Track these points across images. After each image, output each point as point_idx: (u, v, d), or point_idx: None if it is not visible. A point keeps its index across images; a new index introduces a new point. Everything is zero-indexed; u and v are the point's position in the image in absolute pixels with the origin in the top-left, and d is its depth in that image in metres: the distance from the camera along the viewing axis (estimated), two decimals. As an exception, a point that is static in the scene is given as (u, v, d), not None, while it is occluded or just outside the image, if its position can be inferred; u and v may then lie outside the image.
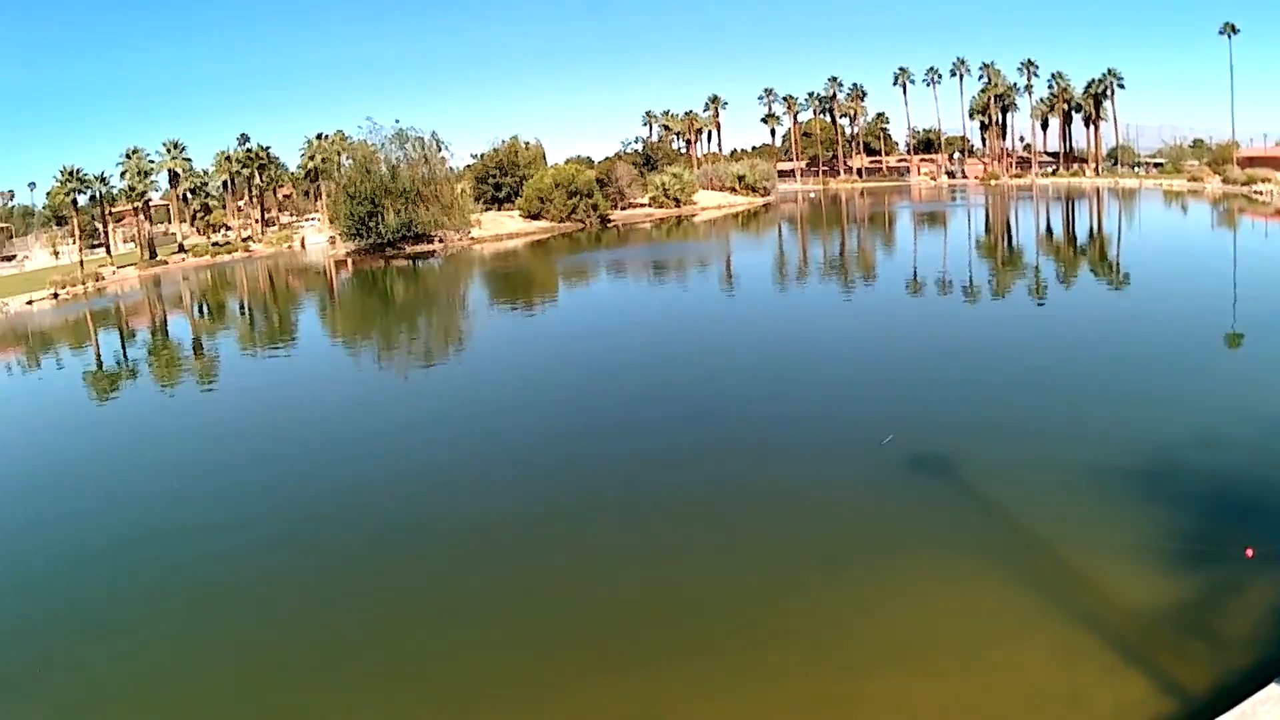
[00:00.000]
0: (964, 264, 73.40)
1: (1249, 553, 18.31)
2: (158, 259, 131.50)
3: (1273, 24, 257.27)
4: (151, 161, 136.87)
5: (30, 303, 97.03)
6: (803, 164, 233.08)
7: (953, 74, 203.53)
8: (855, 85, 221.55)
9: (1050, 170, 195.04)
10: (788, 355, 42.47)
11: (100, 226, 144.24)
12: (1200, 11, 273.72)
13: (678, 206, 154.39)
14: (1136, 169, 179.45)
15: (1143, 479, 23.20)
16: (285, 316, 77.43)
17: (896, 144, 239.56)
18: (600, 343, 49.55)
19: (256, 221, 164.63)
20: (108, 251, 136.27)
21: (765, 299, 63.08)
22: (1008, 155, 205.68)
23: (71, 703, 17.62)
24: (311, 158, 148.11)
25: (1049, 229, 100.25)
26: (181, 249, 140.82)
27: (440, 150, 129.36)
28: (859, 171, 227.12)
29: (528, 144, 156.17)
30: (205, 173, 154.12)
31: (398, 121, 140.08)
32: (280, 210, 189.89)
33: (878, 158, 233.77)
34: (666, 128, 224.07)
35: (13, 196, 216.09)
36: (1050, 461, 25.28)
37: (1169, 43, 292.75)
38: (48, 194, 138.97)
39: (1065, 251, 78.07)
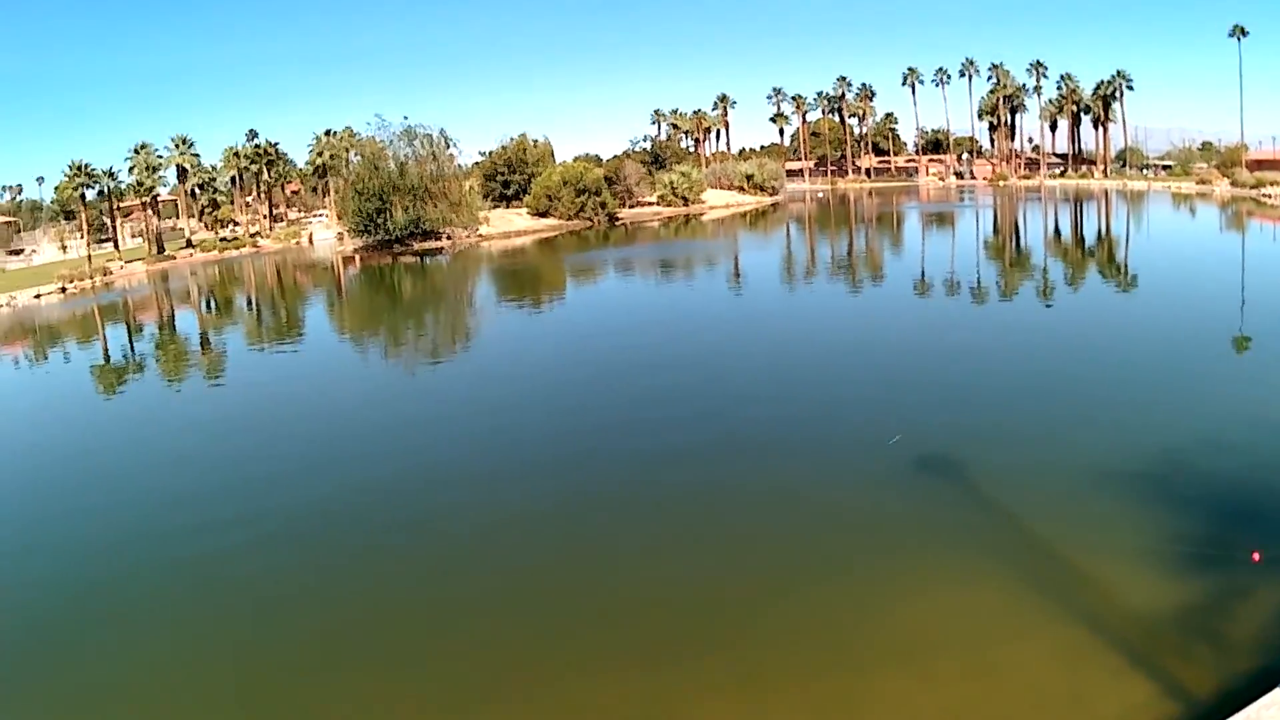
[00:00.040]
0: (972, 265, 73.17)
1: (1256, 557, 18.27)
2: (165, 254, 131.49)
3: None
4: (160, 157, 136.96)
5: (38, 296, 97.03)
6: (811, 163, 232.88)
7: (961, 74, 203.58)
8: (864, 85, 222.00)
9: (1059, 172, 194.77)
10: (795, 355, 42.47)
11: (108, 221, 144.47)
12: (1210, 14, 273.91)
13: (686, 205, 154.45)
14: (1145, 171, 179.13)
15: (1149, 482, 23.12)
16: (293, 312, 77.42)
17: (905, 144, 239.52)
18: (608, 341, 49.60)
19: (264, 217, 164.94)
20: (115, 246, 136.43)
21: (773, 298, 63.02)
22: (1016, 156, 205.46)
23: (73, 695, 17.62)
24: (320, 154, 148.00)
25: (1057, 231, 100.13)
26: (189, 244, 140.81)
27: (448, 147, 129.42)
28: (867, 171, 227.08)
29: (536, 142, 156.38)
30: (213, 168, 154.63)
31: (406, 118, 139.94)
32: (288, 206, 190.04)
33: (886, 158, 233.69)
34: (675, 126, 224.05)
35: (21, 191, 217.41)
36: (1057, 463, 25.21)
37: (1178, 45, 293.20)
38: (56, 189, 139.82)
39: (1073, 253, 77.93)
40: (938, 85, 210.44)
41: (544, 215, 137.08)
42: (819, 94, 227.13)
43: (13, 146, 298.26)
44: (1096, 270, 67.38)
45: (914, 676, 15.99)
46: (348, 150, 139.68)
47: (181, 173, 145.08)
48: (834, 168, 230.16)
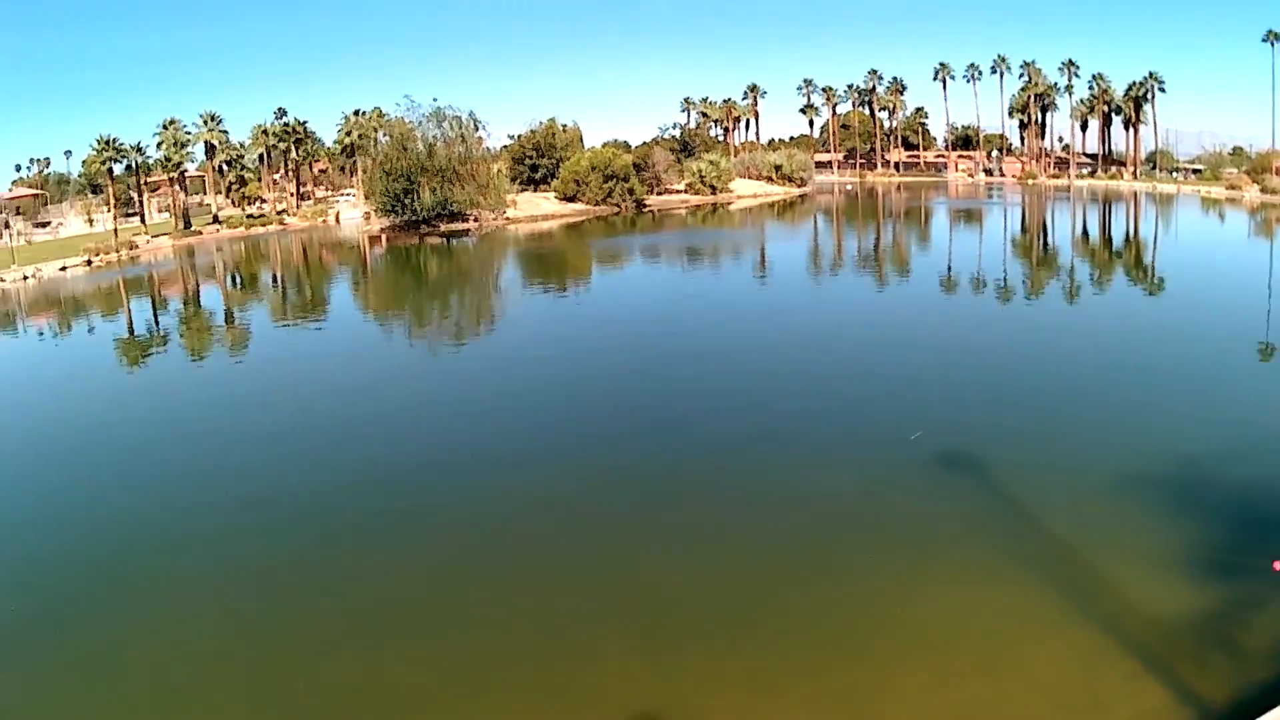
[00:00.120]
0: (999, 263, 72.88)
1: (1276, 566, 18.06)
2: (192, 229, 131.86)
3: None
4: (188, 133, 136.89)
5: (64, 269, 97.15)
6: (840, 156, 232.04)
7: (993, 71, 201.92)
8: (895, 79, 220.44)
9: (1088, 172, 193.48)
10: (819, 348, 42.36)
11: (135, 196, 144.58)
12: (1243, 18, 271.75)
13: (714, 194, 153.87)
14: (1175, 174, 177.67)
15: (1171, 486, 22.97)
16: (318, 290, 77.54)
17: (934, 139, 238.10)
18: (632, 329, 49.49)
19: (292, 195, 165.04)
20: (142, 221, 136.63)
21: (799, 290, 62.88)
22: (1046, 155, 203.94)
23: (87, 665, 17.70)
24: (349, 133, 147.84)
25: (1085, 231, 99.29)
26: (216, 220, 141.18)
27: (477, 130, 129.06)
28: (896, 166, 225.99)
29: (565, 126, 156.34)
30: (242, 145, 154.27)
31: (436, 100, 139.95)
32: (316, 185, 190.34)
33: (915, 152, 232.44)
34: (705, 115, 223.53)
35: (49, 164, 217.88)
36: (1078, 465, 25.12)
37: (1211, 48, 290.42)
38: (84, 162, 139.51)
39: (1101, 255, 77.27)
40: (969, 81, 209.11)
41: (571, 200, 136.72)
42: (850, 86, 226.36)
43: (41, 120, 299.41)
44: (1124, 272, 66.87)
45: (930, 673, 15.94)
46: (376, 130, 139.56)
47: (210, 149, 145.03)
48: (863, 161, 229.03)
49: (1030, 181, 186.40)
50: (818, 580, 19.73)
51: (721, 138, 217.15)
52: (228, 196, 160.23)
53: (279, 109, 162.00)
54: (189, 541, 23.22)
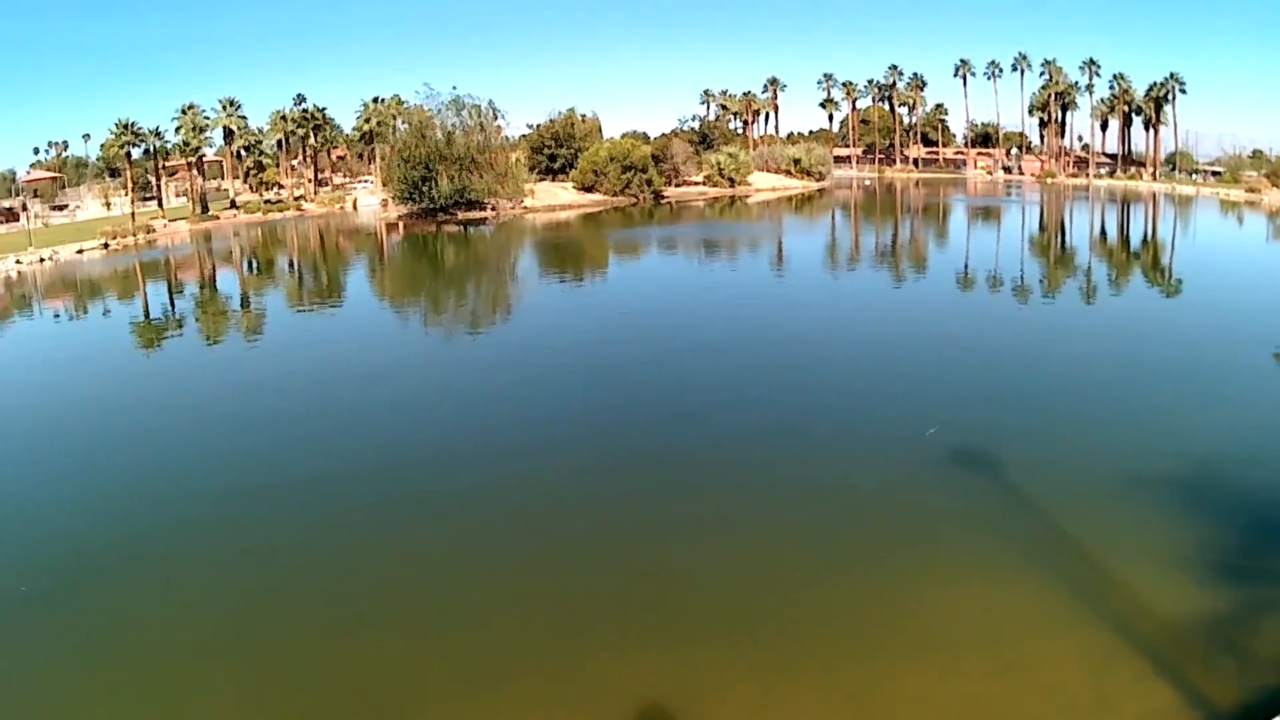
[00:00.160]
0: (1016, 262, 72.42)
1: None
2: (209, 214, 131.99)
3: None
4: (207, 118, 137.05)
5: (80, 252, 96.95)
6: (859, 151, 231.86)
7: (1014, 68, 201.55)
8: (915, 74, 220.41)
9: (1107, 172, 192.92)
10: (835, 342, 42.12)
11: (153, 180, 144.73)
12: (1266, 20, 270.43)
13: (732, 186, 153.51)
14: (1194, 176, 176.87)
15: (1183, 489, 22.80)
16: (334, 276, 77.38)
17: (954, 136, 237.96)
18: (648, 320, 49.10)
19: (309, 181, 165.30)
20: (159, 205, 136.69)
21: (816, 285, 62.48)
22: (1065, 154, 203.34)
23: (90, 649, 17.50)
24: (367, 120, 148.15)
25: (1103, 232, 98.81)
26: (233, 205, 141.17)
27: (496, 119, 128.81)
28: (915, 161, 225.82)
29: (584, 116, 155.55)
30: (260, 131, 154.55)
31: (455, 88, 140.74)
32: (334, 171, 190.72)
33: (934, 149, 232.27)
34: (724, 107, 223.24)
35: (66, 147, 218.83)
36: (1092, 464, 25.00)
37: (1233, 50, 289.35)
38: (102, 146, 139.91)
39: (1119, 255, 76.77)
40: (989, 78, 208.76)
41: (589, 190, 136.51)
42: (870, 81, 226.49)
43: (60, 104, 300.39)
44: (1141, 273, 66.30)
45: (937, 670, 16.01)
46: (395, 118, 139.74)
47: (228, 134, 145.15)
48: (882, 156, 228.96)
49: (1049, 180, 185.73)
50: (828, 574, 19.65)
51: (740, 130, 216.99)
52: (245, 182, 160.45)
53: (298, 95, 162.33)
54: (201, 525, 23.10)
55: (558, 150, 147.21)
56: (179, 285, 74.52)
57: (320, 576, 20.40)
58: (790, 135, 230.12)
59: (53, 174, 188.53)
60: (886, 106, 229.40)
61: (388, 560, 21.02)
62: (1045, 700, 15.02)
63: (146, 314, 59.67)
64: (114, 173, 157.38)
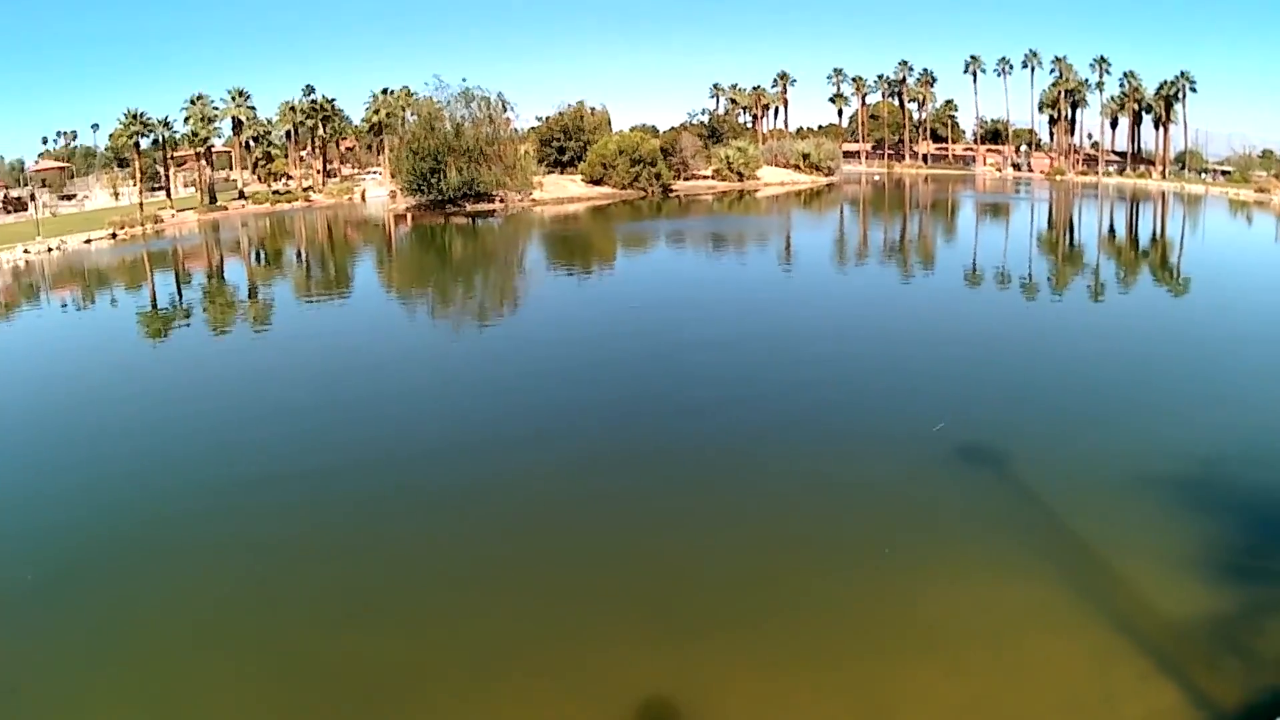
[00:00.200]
0: (1025, 259, 72.33)
1: None
2: (217, 204, 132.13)
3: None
4: (215, 108, 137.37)
5: (88, 241, 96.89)
6: (868, 146, 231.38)
7: (1024, 65, 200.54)
8: (925, 70, 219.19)
9: (1116, 170, 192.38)
10: (842, 338, 41.96)
11: (161, 170, 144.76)
12: (1277, 20, 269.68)
13: (741, 181, 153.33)
14: (1203, 175, 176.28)
15: (1189, 488, 22.79)
16: (342, 267, 77.29)
17: (963, 132, 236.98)
18: (657, 314, 48.91)
19: (318, 172, 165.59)
20: (168, 195, 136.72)
21: (824, 280, 62.34)
22: (1075, 152, 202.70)
23: (97, 639, 17.41)
24: (376, 112, 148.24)
25: (1112, 230, 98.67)
26: (242, 195, 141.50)
27: (505, 111, 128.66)
28: (924, 157, 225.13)
29: (594, 109, 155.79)
30: (269, 122, 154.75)
31: (464, 80, 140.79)
32: (342, 162, 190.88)
33: (944, 145, 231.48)
34: (734, 101, 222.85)
35: (75, 137, 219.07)
36: (1099, 462, 24.97)
37: (1243, 49, 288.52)
38: (110, 136, 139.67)
39: (1127, 254, 76.65)
40: (999, 75, 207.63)
41: (598, 183, 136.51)
42: (880, 77, 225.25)
43: (69, 94, 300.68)
44: (1149, 272, 66.20)
45: (942, 666, 16.05)
46: (404, 109, 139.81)
47: (237, 125, 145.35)
48: (891, 151, 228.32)
49: (1058, 178, 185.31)
50: (832, 569, 19.73)
51: (750, 125, 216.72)
52: (254, 172, 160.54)
53: (307, 86, 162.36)
54: (207, 515, 23.07)
55: (566, 143, 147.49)
56: (187, 275, 74.48)
57: (326, 567, 20.32)
58: (799, 130, 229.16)
59: (61, 164, 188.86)
60: (896, 102, 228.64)
61: (393, 552, 20.96)
62: (1049, 698, 14.98)
63: (154, 304, 59.56)
64: (122, 163, 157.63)
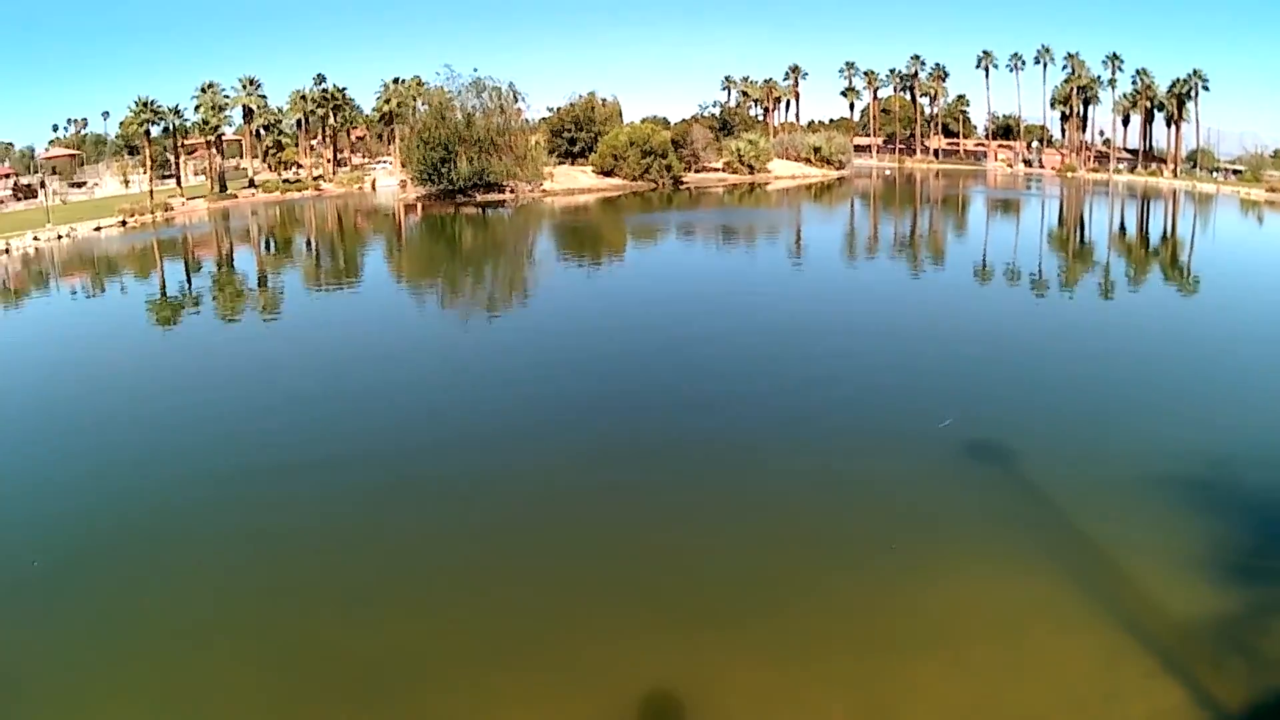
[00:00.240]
0: (1035, 256, 71.83)
1: None
2: (227, 193, 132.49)
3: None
4: (226, 96, 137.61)
5: (98, 229, 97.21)
6: (879, 140, 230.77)
7: (1036, 61, 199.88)
8: (937, 65, 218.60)
9: (1128, 167, 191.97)
10: (852, 333, 41.76)
11: (171, 158, 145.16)
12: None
13: (751, 173, 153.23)
14: (1215, 174, 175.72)
15: (1198, 488, 22.65)
16: (351, 256, 77.45)
17: (975, 128, 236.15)
18: (666, 309, 48.58)
19: (328, 161, 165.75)
20: (178, 183, 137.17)
21: (834, 275, 62.21)
22: (1086, 148, 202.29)
23: (102, 626, 17.53)
24: (387, 101, 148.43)
25: (1123, 227, 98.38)
26: (252, 184, 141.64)
27: (516, 101, 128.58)
28: (935, 152, 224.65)
29: (605, 100, 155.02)
30: (279, 110, 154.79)
31: (475, 70, 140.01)
32: (353, 151, 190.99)
33: (955, 140, 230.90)
34: (745, 94, 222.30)
35: (86, 124, 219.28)
36: (1107, 461, 24.89)
37: (1256, 49, 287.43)
38: (121, 123, 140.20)
39: (1138, 252, 76.42)
40: (1012, 70, 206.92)
41: (609, 174, 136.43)
42: (892, 71, 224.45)
43: (79, 81, 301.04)
44: (1160, 271, 65.80)
45: (946, 662, 16.03)
46: (415, 99, 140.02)
47: (247, 113, 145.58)
48: (902, 146, 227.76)
49: (1070, 174, 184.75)
50: (838, 564, 19.70)
51: (761, 118, 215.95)
52: (264, 161, 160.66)
53: (318, 75, 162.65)
54: (213, 505, 23.05)
55: (577, 134, 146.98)
56: (196, 263, 74.65)
57: (333, 557, 20.32)
58: (811, 123, 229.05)
59: (72, 151, 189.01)
60: (908, 96, 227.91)
61: (399, 542, 20.97)
62: (1054, 695, 14.96)
63: (163, 292, 59.70)
64: (133, 150, 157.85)
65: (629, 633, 16.95)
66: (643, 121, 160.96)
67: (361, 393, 32.89)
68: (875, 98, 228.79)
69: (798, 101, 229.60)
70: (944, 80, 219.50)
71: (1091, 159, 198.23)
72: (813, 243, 79.49)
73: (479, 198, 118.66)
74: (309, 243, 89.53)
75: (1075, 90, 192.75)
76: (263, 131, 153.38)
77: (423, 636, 16.95)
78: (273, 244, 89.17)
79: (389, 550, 20.58)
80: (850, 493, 23.30)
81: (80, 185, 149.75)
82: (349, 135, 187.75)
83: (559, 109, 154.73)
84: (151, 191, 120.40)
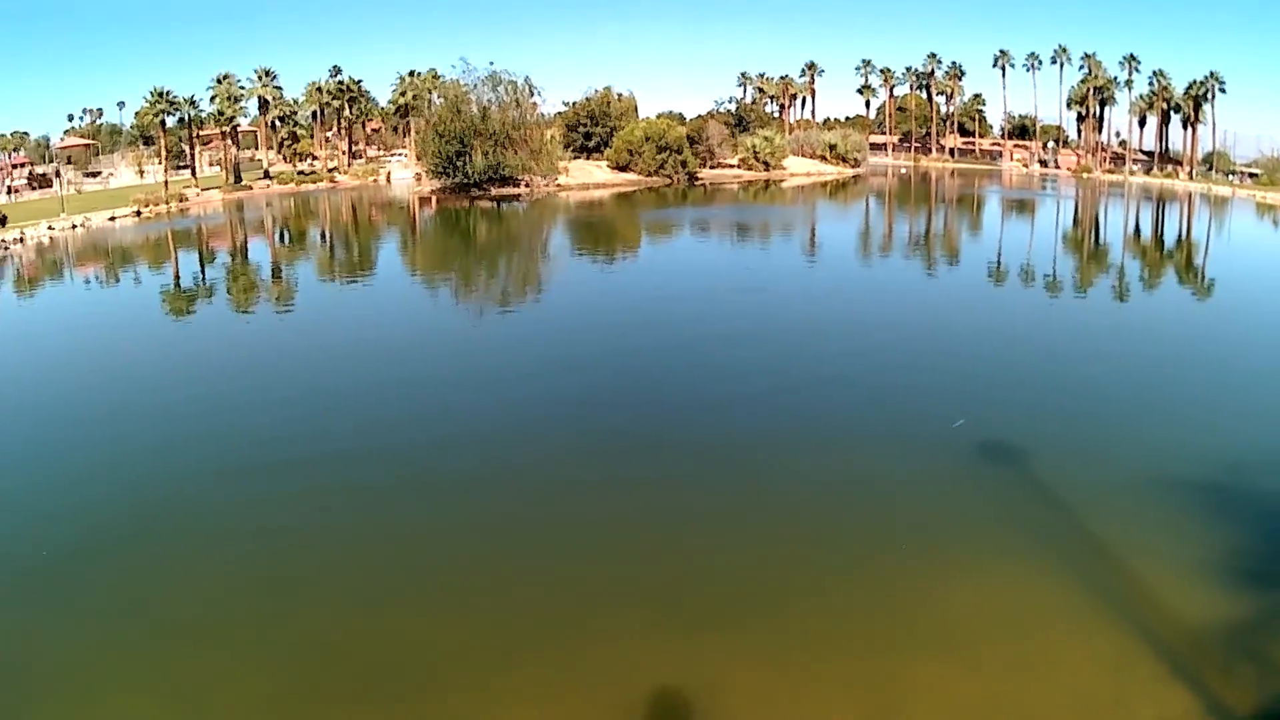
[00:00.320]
0: (1049, 257, 71.57)
1: None
2: (242, 184, 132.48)
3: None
4: (242, 88, 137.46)
5: (113, 219, 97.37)
6: (895, 138, 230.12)
7: (1053, 61, 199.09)
8: (954, 64, 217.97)
9: (1143, 169, 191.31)
10: (866, 332, 41.75)
11: (187, 149, 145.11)
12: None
13: (767, 170, 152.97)
14: (1231, 177, 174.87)
15: (1209, 493, 22.63)
16: (366, 249, 77.54)
17: (991, 127, 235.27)
18: (680, 306, 48.42)
19: (343, 153, 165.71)
20: (193, 173, 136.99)
21: (848, 273, 62.15)
22: (1102, 149, 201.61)
23: (109, 616, 17.58)
24: (403, 94, 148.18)
25: (1138, 230, 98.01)
26: (267, 175, 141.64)
27: (532, 95, 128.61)
28: (951, 151, 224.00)
29: (620, 95, 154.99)
30: (295, 102, 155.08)
31: (491, 64, 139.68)
32: (368, 144, 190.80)
33: (971, 139, 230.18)
34: (761, 90, 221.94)
35: (101, 114, 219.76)
36: (1121, 464, 24.80)
37: (1274, 51, 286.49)
38: (136, 114, 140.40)
39: (1152, 254, 76.03)
40: (1028, 70, 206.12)
41: (624, 169, 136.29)
42: (908, 69, 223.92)
43: (95, 71, 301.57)
44: (1175, 275, 65.47)
45: (954, 662, 15.96)
46: (430, 92, 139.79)
47: (263, 105, 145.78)
48: (918, 145, 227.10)
49: (1085, 175, 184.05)
50: (847, 563, 19.69)
51: (777, 114, 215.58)
52: (279, 152, 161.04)
53: (334, 67, 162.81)
54: (224, 497, 23.09)
55: (593, 129, 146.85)
56: (210, 254, 74.69)
57: (342, 552, 20.30)
58: (826, 121, 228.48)
59: (87, 141, 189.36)
60: (924, 95, 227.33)
61: (408, 537, 20.97)
62: (1061, 698, 14.91)
63: (177, 282, 59.80)
64: (148, 141, 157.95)
65: (636, 630, 16.89)
66: (658, 117, 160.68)
67: (374, 387, 32.90)
68: (891, 96, 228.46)
69: (814, 99, 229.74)
70: (960, 79, 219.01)
71: (1107, 160, 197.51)
72: (827, 241, 79.41)
73: (494, 191, 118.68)
74: (323, 234, 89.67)
75: (1091, 91, 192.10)
76: (278, 123, 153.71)
77: (428, 632, 16.93)
78: (287, 235, 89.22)
79: (398, 546, 20.58)
80: (860, 493, 23.25)
81: (95, 175, 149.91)
82: (364, 127, 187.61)
83: (574, 103, 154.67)
84: (166, 182, 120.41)
